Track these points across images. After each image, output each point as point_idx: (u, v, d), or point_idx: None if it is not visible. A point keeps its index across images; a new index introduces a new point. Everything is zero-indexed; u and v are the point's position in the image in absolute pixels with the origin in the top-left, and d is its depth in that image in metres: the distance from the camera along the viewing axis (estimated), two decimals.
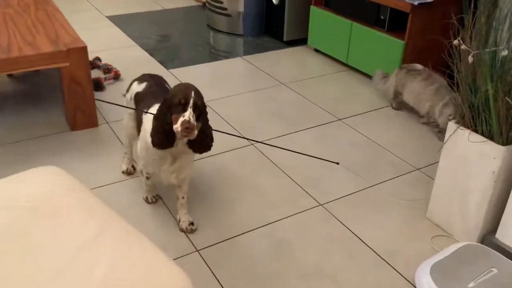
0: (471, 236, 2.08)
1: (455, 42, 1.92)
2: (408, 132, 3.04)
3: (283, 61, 4.07)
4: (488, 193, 1.96)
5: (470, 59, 1.87)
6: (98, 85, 3.40)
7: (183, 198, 2.16)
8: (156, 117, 1.85)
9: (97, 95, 3.34)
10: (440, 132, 2.91)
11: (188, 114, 1.75)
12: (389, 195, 2.43)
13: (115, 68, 3.65)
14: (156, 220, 2.25)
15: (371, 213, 2.32)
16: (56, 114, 3.07)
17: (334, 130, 3.06)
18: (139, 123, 2.13)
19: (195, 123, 1.77)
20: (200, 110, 1.82)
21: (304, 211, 2.33)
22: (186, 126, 1.73)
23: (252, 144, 2.85)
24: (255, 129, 3.02)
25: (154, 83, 2.24)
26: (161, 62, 3.95)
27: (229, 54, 4.23)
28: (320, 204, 2.38)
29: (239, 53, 4.24)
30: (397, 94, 3.20)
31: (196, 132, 1.77)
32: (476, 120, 1.95)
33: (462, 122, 2.00)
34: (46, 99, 3.27)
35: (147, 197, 2.33)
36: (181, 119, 1.75)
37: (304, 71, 3.88)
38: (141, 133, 2.06)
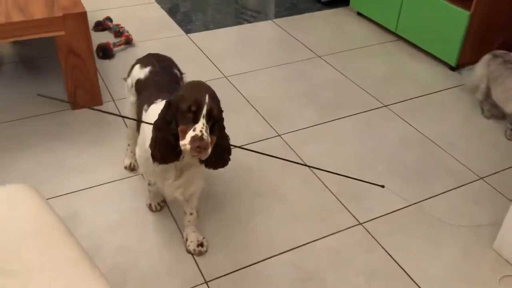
0: None
1: None
2: (469, 127, 2.51)
3: (320, 26, 3.51)
4: None
5: None
6: (106, 52, 2.96)
7: (191, 214, 1.75)
8: (157, 126, 1.42)
9: (105, 64, 2.91)
10: None
11: (201, 127, 1.31)
12: (445, 218, 1.98)
13: (127, 32, 3.18)
14: (159, 236, 1.86)
15: (422, 240, 1.87)
16: (57, 89, 2.67)
17: (379, 119, 2.56)
18: (139, 116, 1.70)
19: (209, 139, 1.33)
20: (216, 119, 1.38)
21: (339, 231, 1.90)
22: (198, 144, 1.30)
23: (279, 136, 2.40)
24: (283, 115, 2.55)
25: (160, 67, 1.78)
26: (180, 24, 3.46)
27: (258, 15, 3.68)
28: (360, 223, 1.94)
29: (269, 15, 3.69)
30: (488, 93, 2.53)
31: (210, 150, 1.34)
32: None
33: None
34: (47, 68, 2.86)
35: (150, 204, 1.94)
36: (190, 134, 1.32)
37: (344, 40, 3.33)
38: (140, 135, 1.64)
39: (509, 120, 2.39)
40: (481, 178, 2.18)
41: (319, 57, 3.12)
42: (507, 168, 2.24)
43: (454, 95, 2.77)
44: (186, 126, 1.32)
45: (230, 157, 1.51)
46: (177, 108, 1.36)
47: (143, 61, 1.83)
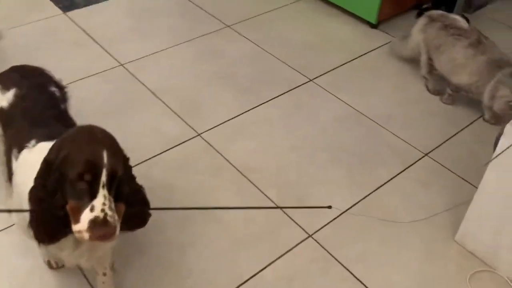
0: None
1: None
2: (402, 94, 2.30)
3: None
4: None
5: None
6: None
7: (104, 275, 1.36)
8: (35, 196, 0.99)
9: None
10: (494, 120, 2.11)
11: (101, 204, 0.91)
12: (398, 213, 1.77)
13: None
14: None
15: (378, 244, 1.65)
16: None
17: (307, 98, 2.26)
18: (9, 167, 1.24)
19: (116, 217, 0.93)
20: (121, 178, 0.98)
21: (289, 250, 1.62)
22: (100, 233, 0.91)
23: (199, 136, 2.03)
24: (199, 107, 2.16)
25: (29, 87, 1.30)
26: (55, 0, 2.84)
27: None
28: (309, 235, 1.67)
29: None
30: (430, 63, 2.24)
31: (118, 231, 0.94)
32: None
33: None
34: None
35: (49, 261, 1.50)
36: (87, 216, 0.92)
37: (253, 2, 2.93)
38: (15, 192, 1.19)
39: (452, 86, 2.19)
40: (426, 154, 2.00)
41: (229, 26, 2.72)
42: (449, 138, 2.07)
43: (380, 57, 2.53)
44: (79, 202, 0.92)
45: (150, 211, 1.13)
46: (62, 175, 0.94)
47: (4, 81, 1.33)
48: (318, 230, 1.68)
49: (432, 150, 2.01)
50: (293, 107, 2.20)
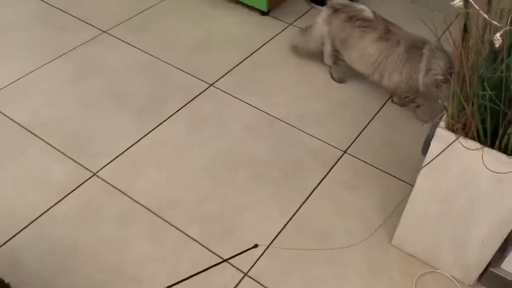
0: (469, 273, 1.47)
1: None
2: (311, 87, 2.16)
3: None
4: (505, 230, 1.31)
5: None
6: None
7: None
8: None
9: None
10: (420, 107, 2.00)
11: None
12: (331, 225, 1.66)
13: None
14: None
15: (321, 272, 1.54)
16: None
17: (211, 106, 2.04)
18: None
19: None
20: None
21: None
22: None
23: (94, 175, 1.72)
24: (89, 138, 1.85)
25: None
26: None
27: None
28: (245, 274, 1.50)
29: None
30: (336, 55, 2.10)
31: None
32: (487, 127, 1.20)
33: (463, 128, 1.23)
34: None
35: None
36: None
37: (126, 0, 2.60)
38: None
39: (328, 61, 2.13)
40: (344, 151, 1.90)
41: (105, 32, 2.37)
42: (362, 130, 1.99)
43: (278, 48, 2.36)
44: None
45: None
46: None
47: None
48: (252, 266, 1.51)
49: (349, 146, 1.92)
50: (197, 121, 1.97)
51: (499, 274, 1.43)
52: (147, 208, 1.64)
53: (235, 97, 2.09)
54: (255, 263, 1.52)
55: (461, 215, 1.36)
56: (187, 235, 1.57)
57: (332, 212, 1.68)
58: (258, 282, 1.47)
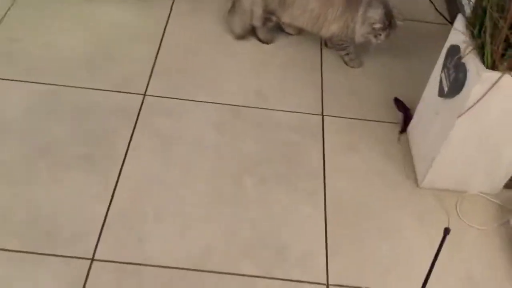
0: (497, 185, 1.58)
1: None
2: (249, 62, 1.95)
3: None
4: None
5: None
6: None
7: None
8: None
9: None
10: (349, 54, 1.95)
11: None
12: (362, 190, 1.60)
13: None
14: None
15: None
16: None
17: (161, 118, 1.70)
18: None
19: None
20: None
21: None
22: None
23: None
24: (55, 227, 1.42)
25: None
26: None
27: None
28: None
29: None
30: (268, 17, 1.93)
31: None
32: None
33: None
34: None
35: None
36: None
37: None
38: None
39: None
40: (322, 115, 1.81)
41: None
42: (322, 86, 1.91)
43: (184, 29, 2.05)
44: None
45: None
46: None
47: None
48: None
49: (323, 108, 1.83)
50: (161, 142, 1.64)
51: None
52: (183, 268, 1.36)
53: (181, 99, 1.79)
54: None
55: (495, 145, 1.43)
56: (245, 275, 1.36)
57: (352, 183, 1.61)
58: None
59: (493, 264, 1.45)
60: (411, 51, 2.06)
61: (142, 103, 1.76)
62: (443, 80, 1.42)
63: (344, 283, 1.37)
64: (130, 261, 1.36)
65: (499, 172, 1.54)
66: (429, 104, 1.60)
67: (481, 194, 1.61)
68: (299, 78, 1.92)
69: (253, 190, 1.56)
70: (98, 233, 1.40)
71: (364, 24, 1.80)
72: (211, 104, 1.79)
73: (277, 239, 1.45)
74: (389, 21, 1.80)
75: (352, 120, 1.80)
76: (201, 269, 1.36)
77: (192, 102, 1.79)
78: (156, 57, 1.92)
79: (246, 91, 1.85)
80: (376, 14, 1.78)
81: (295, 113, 1.80)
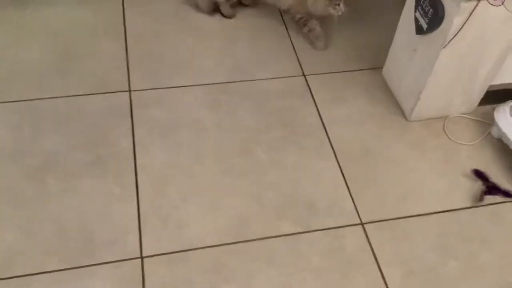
0: (473, 103, 1.76)
1: None
2: (217, 38, 1.98)
3: None
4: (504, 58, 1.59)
5: None
6: None
7: None
8: None
9: None
10: (312, 31, 1.96)
11: None
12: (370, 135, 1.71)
13: None
14: None
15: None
16: None
17: (155, 110, 1.70)
18: None
19: None
20: None
21: None
22: None
23: None
24: (91, 235, 1.39)
25: None
26: None
27: None
28: None
29: None
30: None
31: None
32: None
33: None
34: None
35: None
36: None
37: None
38: None
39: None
40: (304, 75, 1.89)
41: None
42: (294, 50, 1.99)
43: (141, 15, 2.02)
44: None
45: None
46: None
47: None
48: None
49: (302, 69, 1.91)
50: (161, 133, 1.64)
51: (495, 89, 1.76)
52: (227, 244, 1.40)
53: (168, 87, 1.78)
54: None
55: (470, 68, 1.60)
56: (287, 234, 1.43)
57: (350, 129, 1.72)
58: None
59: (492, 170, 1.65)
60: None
61: (131, 99, 1.73)
62: (419, 18, 1.55)
63: (376, 219, 1.50)
64: (178, 250, 1.37)
65: (474, 92, 1.73)
66: (403, 45, 1.73)
67: (461, 115, 1.80)
68: (271, 46, 1.98)
69: (264, 157, 1.62)
70: (138, 231, 1.40)
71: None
72: (197, 86, 1.80)
73: (302, 196, 1.53)
74: None
75: (333, 74, 1.90)
76: (244, 239, 1.42)
77: (178, 88, 1.79)
78: (126, 51, 1.88)
79: (225, 67, 1.88)
80: None
81: (278, 78, 1.87)
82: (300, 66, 1.92)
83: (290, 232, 1.44)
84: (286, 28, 2.06)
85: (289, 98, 1.81)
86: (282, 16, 2.10)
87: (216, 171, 1.57)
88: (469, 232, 1.49)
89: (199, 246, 1.39)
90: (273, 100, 1.79)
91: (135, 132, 1.63)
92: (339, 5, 1.86)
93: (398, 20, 1.74)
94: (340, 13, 1.87)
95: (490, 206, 1.56)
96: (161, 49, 1.92)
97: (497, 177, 1.62)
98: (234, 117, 1.73)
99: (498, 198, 1.57)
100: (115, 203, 1.46)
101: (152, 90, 1.77)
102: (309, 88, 1.84)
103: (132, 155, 1.57)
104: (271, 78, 1.86)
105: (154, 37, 1.96)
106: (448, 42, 1.46)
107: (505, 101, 1.73)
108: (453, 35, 1.44)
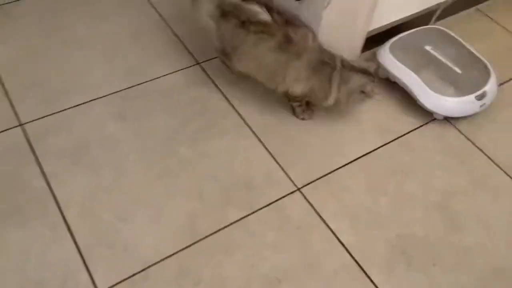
0: (356, 50, 1.91)
1: None
2: (112, 40, 1.88)
3: None
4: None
5: None
6: None
7: None
8: None
9: None
10: (302, 106, 1.72)
11: None
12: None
13: None
14: None
15: None
16: None
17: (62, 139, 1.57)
18: None
19: None
20: None
21: None
22: None
23: None
24: None
25: None
26: None
27: None
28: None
29: None
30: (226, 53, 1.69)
31: None
32: None
33: None
34: None
35: None
36: None
37: None
38: None
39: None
40: (198, 63, 1.87)
41: None
42: (177, 39, 1.95)
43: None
44: None
45: None
46: None
47: None
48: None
49: (194, 57, 1.89)
50: (70, 156, 1.52)
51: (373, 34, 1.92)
52: (183, 248, 1.37)
53: (63, 110, 1.65)
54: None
55: (352, 17, 1.72)
56: (236, 221, 1.45)
57: (260, 105, 1.77)
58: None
59: (398, 116, 1.82)
60: None
61: (26, 133, 1.58)
62: None
63: (309, 180, 1.58)
64: (135, 271, 1.32)
65: (356, 42, 1.87)
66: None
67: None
68: (157, 42, 1.93)
69: (190, 151, 1.60)
70: (85, 267, 1.31)
71: (352, 95, 1.64)
72: (95, 101, 1.70)
73: (238, 178, 1.55)
74: (372, 73, 1.63)
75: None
76: (198, 238, 1.40)
77: (74, 108, 1.67)
78: (2, 84, 1.70)
79: (118, 74, 1.79)
80: (358, 80, 1.61)
81: (176, 72, 1.83)
82: (192, 55, 1.90)
83: (238, 218, 1.46)
84: (164, 20, 2.01)
85: (193, 88, 1.79)
86: (155, 9, 2.05)
87: (147, 179, 1.52)
88: (389, 167, 1.65)
89: (156, 260, 1.35)
90: (179, 94, 1.76)
91: (44, 167, 1.50)
92: (372, 90, 1.64)
93: None
94: (372, 96, 1.65)
95: (398, 139, 1.73)
96: (43, 70, 1.76)
97: (387, 112, 1.81)
98: (146, 121, 1.67)
99: (399, 128, 1.76)
100: (50, 246, 1.34)
101: (46, 118, 1.63)
102: (208, 75, 1.84)
103: (49, 192, 1.45)
104: (169, 74, 1.82)
105: (30, 61, 1.78)
106: (328, 3, 1.56)
107: (383, 43, 1.91)
108: None
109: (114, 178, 1.51)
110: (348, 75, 1.60)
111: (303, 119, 1.75)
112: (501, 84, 1.91)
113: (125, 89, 1.75)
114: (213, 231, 1.43)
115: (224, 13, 1.60)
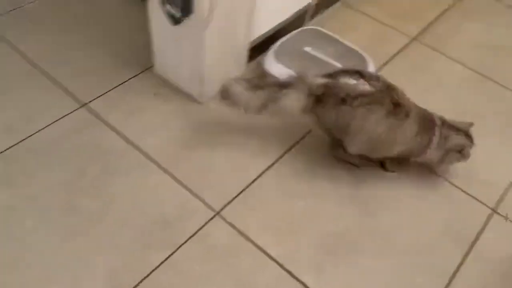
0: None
1: None
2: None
3: None
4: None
5: None
6: None
7: None
8: None
9: None
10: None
11: None
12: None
13: None
14: None
15: None
16: None
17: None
18: None
19: None
20: None
21: None
22: None
23: None
24: None
25: None
26: None
27: None
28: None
29: None
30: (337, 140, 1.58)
31: None
32: None
33: None
34: None
35: None
36: None
37: None
38: None
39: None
40: (84, 104, 1.75)
41: None
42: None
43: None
44: None
45: None
46: None
47: None
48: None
49: (78, 99, 1.76)
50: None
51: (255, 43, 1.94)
52: None
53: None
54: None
55: (233, 32, 1.71)
56: (161, 264, 1.37)
57: (160, 135, 1.70)
58: None
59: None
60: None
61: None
62: (170, 11, 1.58)
63: (226, 201, 1.55)
64: None
65: (241, 53, 1.88)
66: (166, 40, 1.75)
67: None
68: (28, 91, 1.77)
69: (94, 202, 1.48)
70: None
71: (448, 153, 1.59)
72: None
73: (152, 217, 1.47)
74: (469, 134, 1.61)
75: (111, 92, 1.82)
76: None
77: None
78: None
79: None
80: (459, 139, 1.58)
81: (60, 120, 1.69)
82: (75, 97, 1.77)
83: (162, 260, 1.38)
84: (37, 66, 1.86)
85: (84, 132, 1.66)
86: (24, 55, 1.89)
87: (53, 245, 1.38)
88: (298, 170, 1.68)
89: None
90: (69, 142, 1.63)
91: None
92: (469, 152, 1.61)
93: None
94: (465, 159, 1.62)
95: (298, 144, 1.77)
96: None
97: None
98: (35, 181, 1.52)
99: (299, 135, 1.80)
100: None
101: None
102: (97, 114, 1.73)
103: None
104: (53, 122, 1.67)
105: None
106: (208, 23, 1.54)
107: (265, 51, 1.94)
108: (209, 14, 1.53)
109: (12, 256, 1.34)
110: (447, 132, 1.57)
111: (393, 171, 1.69)
112: (379, 69, 2.05)
113: (5, 150, 1.58)
114: (138, 282, 1.34)
115: (318, 99, 1.49)
